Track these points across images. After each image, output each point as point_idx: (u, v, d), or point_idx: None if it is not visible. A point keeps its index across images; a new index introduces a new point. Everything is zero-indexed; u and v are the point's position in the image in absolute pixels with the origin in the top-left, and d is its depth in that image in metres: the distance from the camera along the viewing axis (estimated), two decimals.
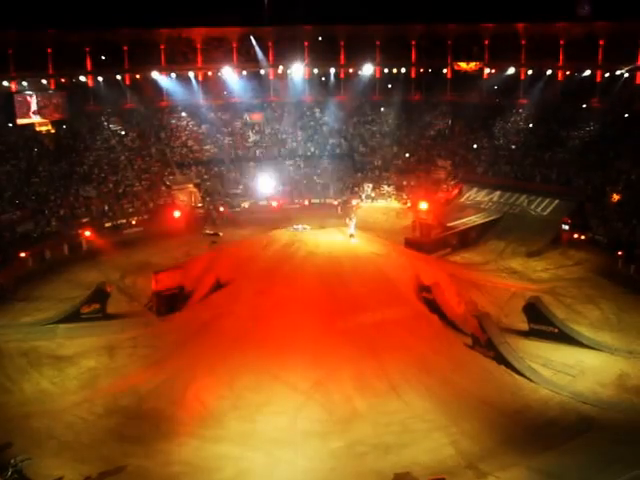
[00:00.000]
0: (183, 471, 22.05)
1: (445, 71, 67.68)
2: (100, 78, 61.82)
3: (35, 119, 55.96)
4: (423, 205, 49.03)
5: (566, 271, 42.02)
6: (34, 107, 55.89)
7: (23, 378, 28.58)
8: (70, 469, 21.82)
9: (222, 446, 23.25)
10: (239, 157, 63.87)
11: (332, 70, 69.26)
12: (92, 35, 60.18)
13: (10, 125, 55.03)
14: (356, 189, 60.21)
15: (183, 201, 55.76)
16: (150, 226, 51.21)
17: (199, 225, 52.32)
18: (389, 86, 70.44)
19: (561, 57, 60.81)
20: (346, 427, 24.37)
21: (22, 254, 42.83)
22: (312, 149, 65.76)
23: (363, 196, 59.48)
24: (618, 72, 58.00)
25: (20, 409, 25.89)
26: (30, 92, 56.32)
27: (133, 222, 51.60)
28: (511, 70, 63.91)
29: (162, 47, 63.79)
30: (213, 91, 67.63)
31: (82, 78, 61.23)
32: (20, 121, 55.31)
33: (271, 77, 68.35)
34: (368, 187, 60.11)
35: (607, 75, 58.92)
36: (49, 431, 24.26)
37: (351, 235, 38.92)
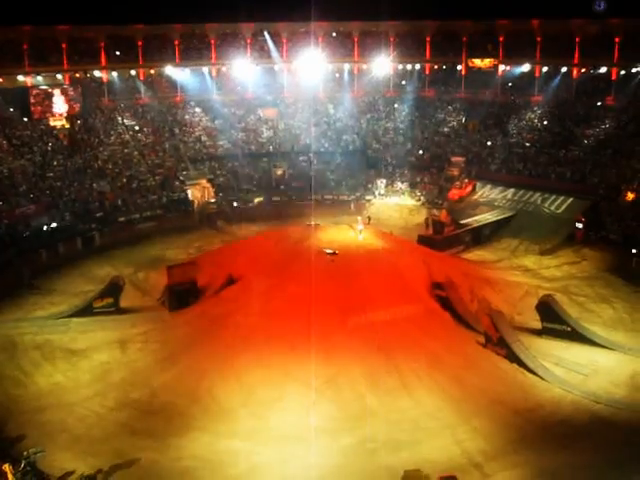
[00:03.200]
0: (195, 466, 22.18)
1: (459, 68, 67.38)
2: (114, 73, 62.16)
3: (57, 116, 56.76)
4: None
5: (579, 269, 41.87)
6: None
7: (37, 371, 28.84)
8: (82, 462, 22.01)
9: (234, 441, 23.36)
10: (252, 152, 63.92)
11: (346, 66, 69.33)
12: (107, 30, 60.56)
13: (25, 120, 55.31)
14: (369, 186, 60.05)
15: (196, 196, 55.84)
16: (163, 221, 51.38)
17: (212, 220, 52.64)
18: (403, 82, 70.44)
19: (576, 54, 60.43)
20: (357, 424, 24.41)
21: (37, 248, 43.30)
22: (325, 145, 65.68)
23: (376, 193, 59.32)
24: (634, 70, 57.71)
25: (34, 402, 26.15)
26: (46, 86, 56.83)
27: (146, 217, 51.67)
28: (526, 67, 63.64)
29: (176, 42, 64.05)
30: (227, 86, 67.84)
31: (96, 73, 61.59)
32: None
33: (285, 73, 68.43)
34: (381, 184, 59.94)
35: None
36: (62, 424, 24.49)
37: (360, 231, 39.03)
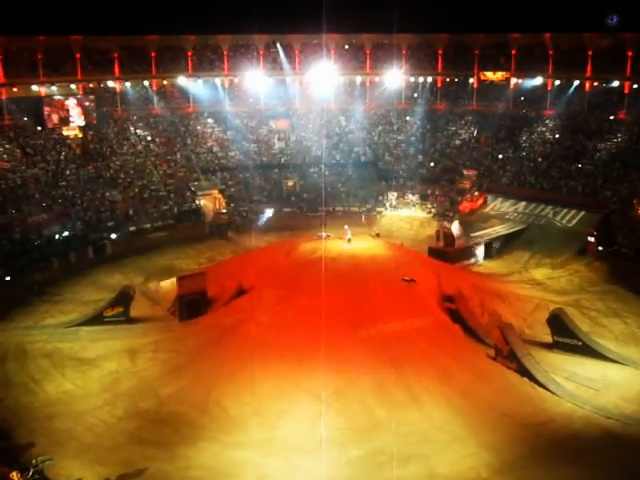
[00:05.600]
0: (203, 476, 22.13)
1: (471, 81, 67.49)
2: (128, 83, 62.58)
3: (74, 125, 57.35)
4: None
5: (591, 283, 41.64)
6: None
7: (46, 379, 28.91)
8: (90, 471, 22.01)
9: (242, 452, 23.27)
10: (264, 164, 64.07)
11: (358, 78, 69.52)
12: (120, 41, 61.06)
13: (39, 129, 55.72)
14: (380, 198, 60.02)
15: (208, 207, 55.97)
16: (174, 231, 51.51)
17: (223, 231, 52.75)
18: (415, 95, 70.46)
19: (589, 68, 60.37)
20: (365, 436, 24.30)
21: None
22: (337, 157, 65.75)
23: (387, 205, 59.29)
24: None
25: (43, 410, 26.20)
26: (60, 96, 57.34)
27: (157, 226, 51.80)
28: (538, 80, 63.62)
29: (189, 53, 64.48)
30: (239, 98, 68.08)
31: (110, 83, 61.99)
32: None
33: (297, 85, 68.67)
34: (392, 196, 59.92)
35: (635, 86, 58.48)
36: (71, 433, 24.50)
37: (348, 240, 39.32)
